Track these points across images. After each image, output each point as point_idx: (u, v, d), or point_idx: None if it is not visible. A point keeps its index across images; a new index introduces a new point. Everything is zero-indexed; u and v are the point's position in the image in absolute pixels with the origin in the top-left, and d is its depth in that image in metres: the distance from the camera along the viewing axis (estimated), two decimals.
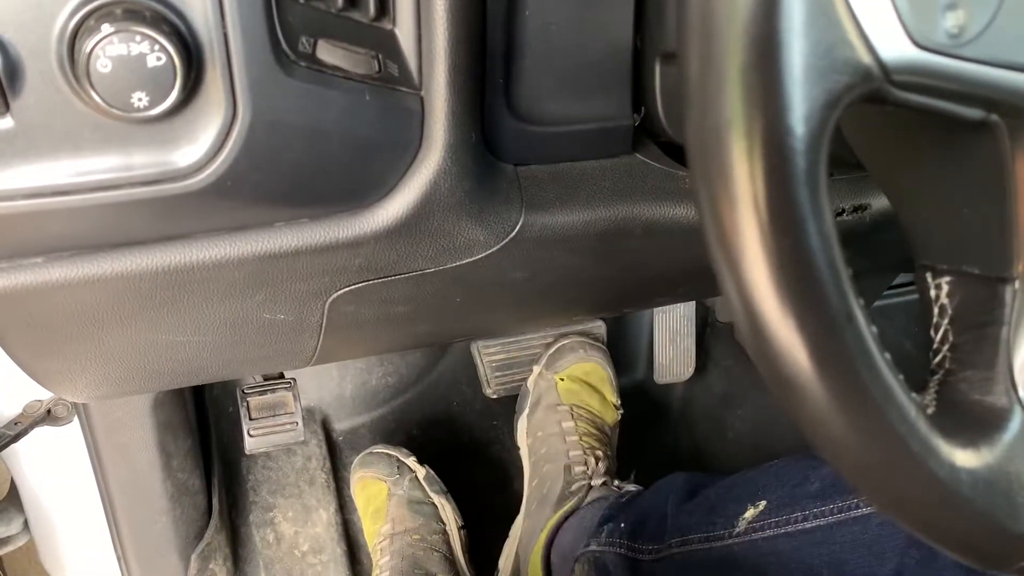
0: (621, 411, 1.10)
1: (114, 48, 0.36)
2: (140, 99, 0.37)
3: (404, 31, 0.46)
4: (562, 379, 1.08)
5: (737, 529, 0.79)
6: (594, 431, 1.06)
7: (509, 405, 1.13)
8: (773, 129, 0.27)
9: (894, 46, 0.28)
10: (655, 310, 1.17)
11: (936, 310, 0.38)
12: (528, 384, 1.11)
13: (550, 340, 1.10)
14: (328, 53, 0.43)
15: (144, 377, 0.62)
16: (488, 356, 1.07)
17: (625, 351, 1.29)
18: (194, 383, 0.70)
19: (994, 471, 0.33)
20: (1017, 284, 0.34)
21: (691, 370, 1.21)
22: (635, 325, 1.29)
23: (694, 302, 1.16)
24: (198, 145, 0.41)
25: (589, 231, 0.58)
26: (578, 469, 1.03)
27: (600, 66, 0.55)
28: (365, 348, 0.77)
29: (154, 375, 0.62)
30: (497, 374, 1.08)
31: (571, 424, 1.05)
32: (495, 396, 1.08)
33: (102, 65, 0.36)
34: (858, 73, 0.27)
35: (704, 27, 0.27)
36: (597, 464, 1.03)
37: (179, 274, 0.48)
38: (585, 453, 1.04)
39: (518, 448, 1.12)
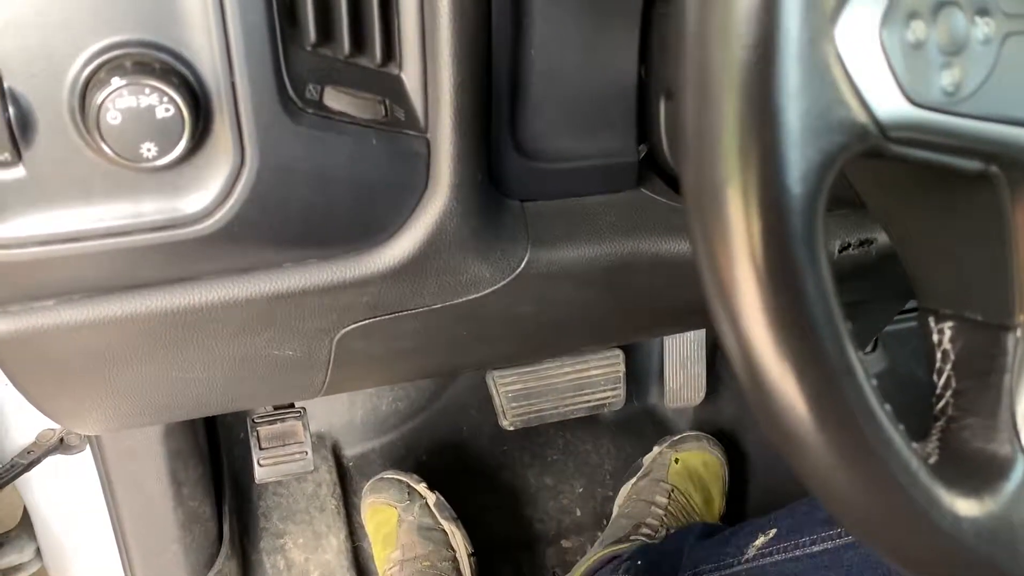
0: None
1: (124, 100, 0.37)
2: (149, 149, 0.38)
3: (410, 75, 0.47)
4: (677, 460, 1.13)
5: (747, 556, 0.79)
6: (682, 521, 1.08)
7: (520, 432, 1.13)
8: (770, 189, 0.27)
9: (890, 105, 0.28)
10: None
11: (939, 355, 0.38)
12: (644, 460, 1.17)
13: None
14: (335, 99, 0.44)
15: (154, 411, 0.63)
16: (504, 386, 1.06)
17: (635, 376, 1.29)
18: (204, 415, 0.70)
19: (997, 520, 0.33)
20: (1019, 332, 0.34)
21: (702, 395, 1.20)
22: (645, 350, 1.29)
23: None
24: (207, 192, 0.41)
25: (595, 266, 0.59)
26: (645, 530, 1.07)
27: (605, 103, 0.55)
28: (374, 380, 0.77)
29: (164, 409, 0.63)
30: (513, 405, 1.07)
31: (664, 500, 1.09)
32: (512, 428, 1.07)
33: (112, 117, 0.37)
34: (854, 132, 0.27)
35: (701, 84, 0.27)
36: (666, 532, 1.05)
37: (188, 315, 0.48)
38: (662, 524, 1.07)
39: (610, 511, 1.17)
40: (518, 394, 1.06)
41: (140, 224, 0.41)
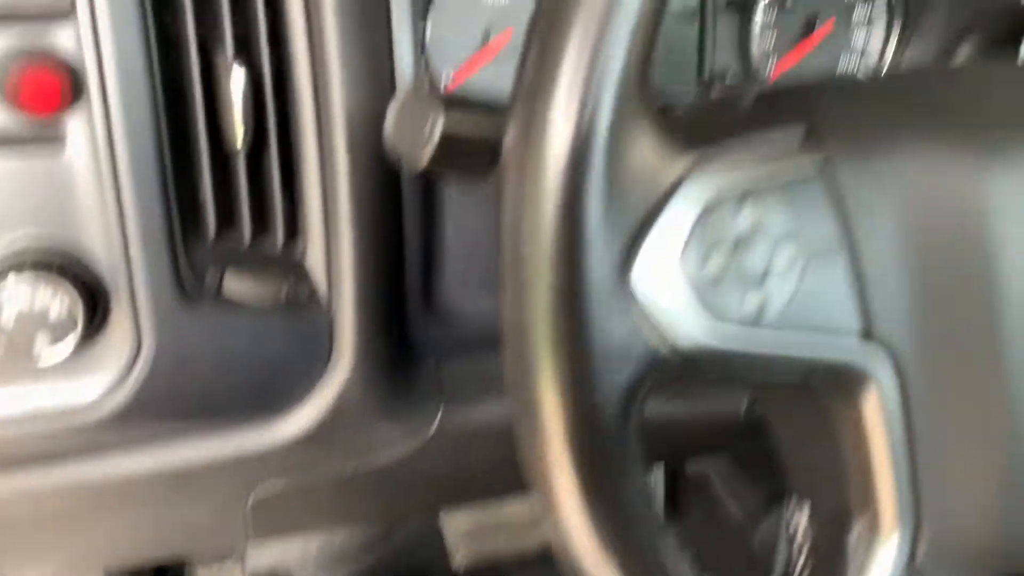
0: None
1: (17, 302, 0.39)
2: (42, 347, 0.40)
3: (313, 254, 0.49)
4: None
5: None
6: None
7: (481, 568, 1.11)
8: (577, 412, 0.29)
9: (692, 336, 0.30)
10: None
11: (798, 538, 0.39)
12: None
13: None
14: (236, 283, 0.46)
15: (84, 567, 0.63)
16: (454, 524, 1.06)
17: None
18: (140, 567, 0.70)
19: None
20: (858, 529, 0.36)
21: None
22: None
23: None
24: (104, 376, 0.43)
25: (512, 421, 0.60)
26: None
27: None
28: (303, 531, 0.77)
29: (93, 565, 0.63)
30: (465, 541, 1.06)
31: None
32: (464, 563, 1.06)
33: (6, 319, 0.39)
34: (655, 363, 0.29)
35: (515, 319, 0.30)
36: None
37: (95, 485, 0.49)
38: None
39: None
40: (470, 531, 1.05)
41: (36, 411, 0.43)
